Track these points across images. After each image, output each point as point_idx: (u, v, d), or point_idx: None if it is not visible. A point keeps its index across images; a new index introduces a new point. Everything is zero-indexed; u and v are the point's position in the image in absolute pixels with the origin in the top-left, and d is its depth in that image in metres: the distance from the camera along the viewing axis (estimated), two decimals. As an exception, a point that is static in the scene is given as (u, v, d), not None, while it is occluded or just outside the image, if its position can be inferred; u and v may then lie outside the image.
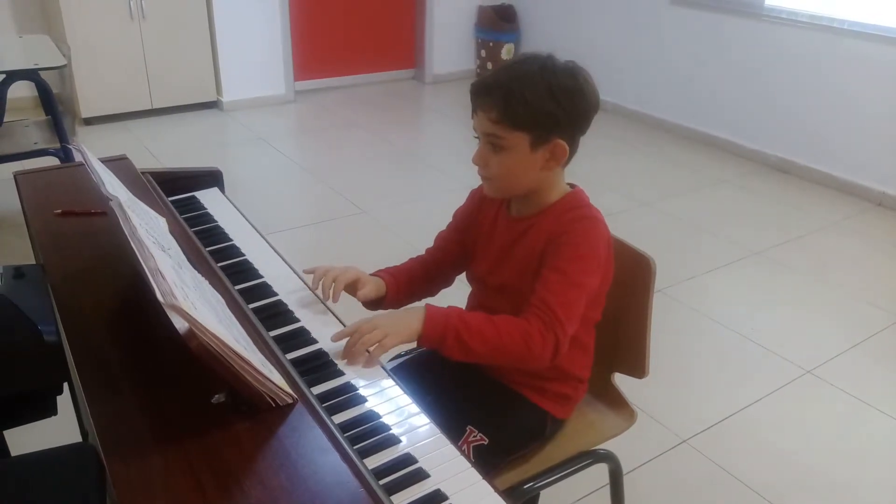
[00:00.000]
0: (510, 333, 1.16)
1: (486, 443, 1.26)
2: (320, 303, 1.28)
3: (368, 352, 1.12)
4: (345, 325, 1.21)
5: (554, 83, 1.16)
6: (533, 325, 1.16)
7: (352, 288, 1.33)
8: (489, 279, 1.36)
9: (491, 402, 1.32)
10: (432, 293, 1.49)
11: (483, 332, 1.16)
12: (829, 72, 3.95)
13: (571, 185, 1.33)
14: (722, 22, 4.40)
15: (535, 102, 1.16)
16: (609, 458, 1.45)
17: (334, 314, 1.25)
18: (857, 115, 3.88)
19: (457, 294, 1.51)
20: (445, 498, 0.90)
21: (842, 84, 3.90)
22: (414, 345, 1.18)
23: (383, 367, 1.12)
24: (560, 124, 1.19)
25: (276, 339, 1.15)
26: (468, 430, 1.26)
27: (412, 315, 1.16)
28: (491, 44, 5.71)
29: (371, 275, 1.39)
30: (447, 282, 1.50)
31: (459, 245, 1.44)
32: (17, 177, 1.56)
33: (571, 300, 1.19)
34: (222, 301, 1.10)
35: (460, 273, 1.48)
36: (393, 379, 1.10)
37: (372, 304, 1.39)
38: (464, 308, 1.49)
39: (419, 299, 1.47)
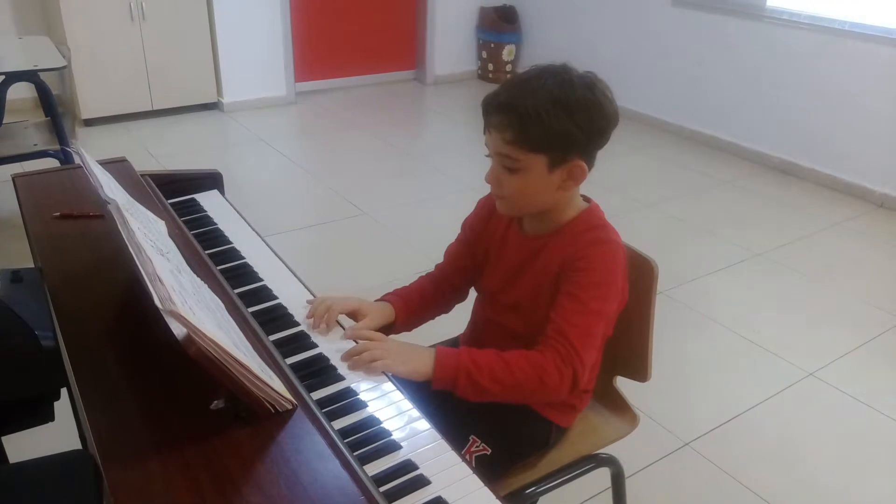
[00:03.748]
0: (523, 369, 1.12)
1: (488, 453, 1.24)
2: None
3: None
4: (344, 328, 1.21)
5: (572, 100, 1.10)
6: (548, 358, 1.13)
7: (353, 317, 1.27)
8: (501, 297, 1.33)
9: (495, 411, 1.30)
10: (446, 310, 1.44)
11: (494, 371, 1.12)
12: (830, 73, 3.94)
13: (586, 199, 1.29)
14: (723, 23, 4.39)
15: (551, 123, 1.09)
16: (611, 462, 1.44)
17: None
18: (858, 116, 3.87)
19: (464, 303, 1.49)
20: (446, 505, 0.89)
21: (844, 85, 3.89)
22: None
23: (385, 373, 1.11)
24: (578, 143, 1.13)
25: (276, 343, 1.14)
26: (471, 440, 1.25)
27: (424, 355, 1.13)
28: (492, 45, 5.71)
29: (379, 299, 1.34)
30: (461, 296, 1.45)
31: (470, 258, 1.40)
32: (16, 179, 1.56)
33: (590, 329, 1.15)
34: (221, 305, 1.09)
35: (472, 285, 1.44)
36: (394, 384, 1.09)
37: (380, 330, 1.32)
38: (470, 317, 1.47)
39: (433, 318, 1.42)
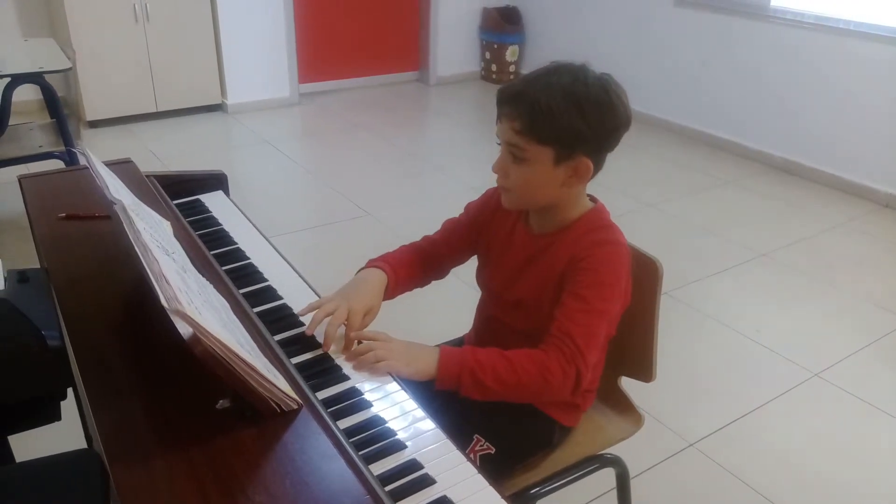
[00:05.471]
0: (527, 370, 1.13)
1: (492, 452, 1.24)
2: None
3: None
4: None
5: (583, 97, 1.11)
6: (552, 357, 1.13)
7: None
8: (505, 294, 1.33)
9: (499, 410, 1.30)
10: (423, 285, 1.45)
11: (497, 370, 1.13)
12: (835, 73, 3.93)
13: (593, 199, 1.29)
14: (727, 23, 4.39)
15: (561, 117, 1.11)
16: (616, 463, 1.44)
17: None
18: (863, 116, 3.86)
19: (461, 297, 1.50)
20: (452, 504, 0.89)
21: (848, 85, 3.89)
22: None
23: (389, 372, 1.12)
24: (586, 141, 1.14)
25: (281, 343, 1.15)
26: (475, 439, 1.25)
27: (427, 355, 1.14)
28: (495, 45, 5.71)
29: (371, 265, 1.34)
30: (442, 275, 1.46)
31: (469, 243, 1.40)
32: (22, 180, 1.56)
33: (593, 329, 1.16)
34: (227, 305, 1.10)
35: (456, 266, 1.45)
36: (398, 384, 1.09)
37: None
38: (474, 315, 1.47)
39: (410, 290, 1.42)
